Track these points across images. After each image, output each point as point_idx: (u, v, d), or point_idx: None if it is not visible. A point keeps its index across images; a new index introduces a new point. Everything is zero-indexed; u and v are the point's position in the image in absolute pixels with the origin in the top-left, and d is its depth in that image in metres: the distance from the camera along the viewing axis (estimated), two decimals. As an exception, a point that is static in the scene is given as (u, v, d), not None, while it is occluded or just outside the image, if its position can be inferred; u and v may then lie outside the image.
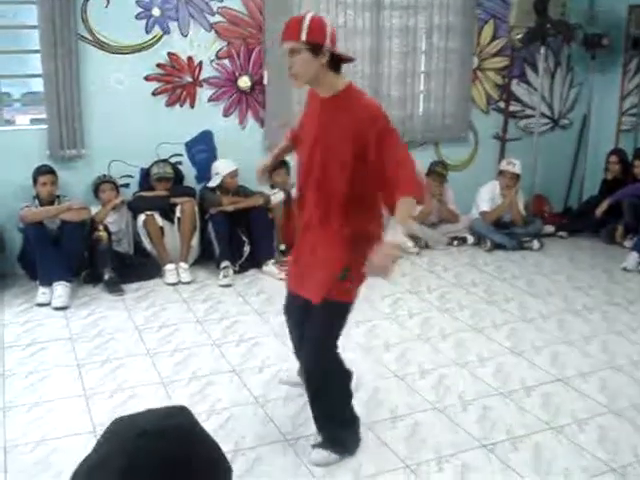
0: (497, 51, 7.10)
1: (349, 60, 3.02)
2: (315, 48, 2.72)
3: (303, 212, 3.07)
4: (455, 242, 6.57)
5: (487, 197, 6.59)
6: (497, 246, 6.43)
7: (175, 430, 1.00)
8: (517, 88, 7.28)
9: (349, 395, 3.16)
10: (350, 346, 4.23)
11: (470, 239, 6.59)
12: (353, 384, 3.20)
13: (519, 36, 6.78)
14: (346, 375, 3.13)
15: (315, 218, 2.99)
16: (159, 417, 1.03)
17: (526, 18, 6.65)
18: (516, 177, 6.55)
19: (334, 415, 3.13)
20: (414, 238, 6.36)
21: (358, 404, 3.47)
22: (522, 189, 6.76)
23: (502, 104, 7.26)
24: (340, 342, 4.16)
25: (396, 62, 6.60)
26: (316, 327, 3.01)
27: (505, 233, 6.51)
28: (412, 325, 4.63)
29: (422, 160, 6.71)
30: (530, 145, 7.06)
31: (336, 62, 2.83)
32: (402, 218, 2.70)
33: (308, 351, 3.07)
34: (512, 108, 7.29)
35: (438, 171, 6.62)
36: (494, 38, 7.05)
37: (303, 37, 2.70)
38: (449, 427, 3.37)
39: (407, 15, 6.56)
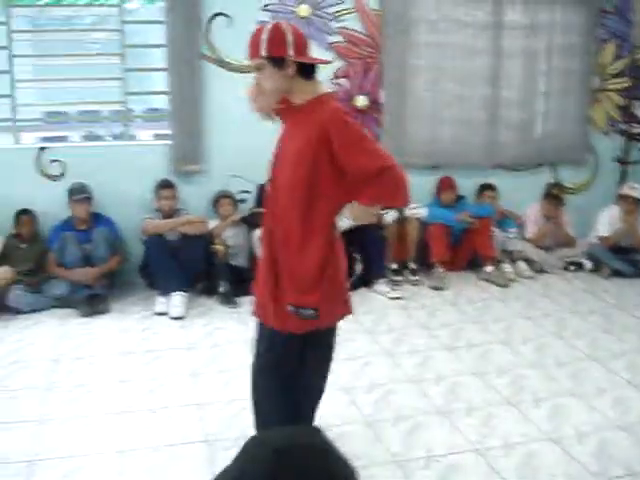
0: (619, 72, 6.89)
1: (323, 62, 2.78)
2: (277, 61, 2.57)
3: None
4: (571, 267, 6.38)
5: (606, 222, 6.38)
6: (616, 273, 6.21)
7: (310, 448, 1.02)
8: (640, 110, 7.04)
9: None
10: (461, 369, 4.19)
11: (587, 265, 6.38)
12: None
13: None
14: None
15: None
16: (294, 436, 1.05)
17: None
18: (638, 202, 6.32)
19: None
20: (529, 261, 6.24)
21: (471, 429, 3.44)
22: (644, 215, 6.52)
23: (624, 126, 7.03)
24: (449, 365, 4.16)
25: (515, 82, 6.52)
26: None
27: (625, 259, 6.28)
28: (526, 351, 4.53)
29: (538, 182, 6.64)
30: (654, 169, 6.82)
31: (308, 68, 2.64)
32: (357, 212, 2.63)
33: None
34: (635, 130, 7.04)
35: (555, 194, 6.48)
36: (616, 58, 6.84)
37: (263, 53, 2.55)
38: (563, 458, 3.27)
39: (527, 35, 6.47)
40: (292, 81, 2.61)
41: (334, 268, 2.72)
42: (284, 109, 2.74)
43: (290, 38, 2.56)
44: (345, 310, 2.89)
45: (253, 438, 1.08)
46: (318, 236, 2.64)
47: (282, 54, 2.55)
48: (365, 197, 2.60)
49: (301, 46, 2.60)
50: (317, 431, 1.09)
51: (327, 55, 6.01)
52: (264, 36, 2.55)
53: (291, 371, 2.86)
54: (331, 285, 2.71)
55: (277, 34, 2.56)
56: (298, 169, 2.60)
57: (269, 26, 2.58)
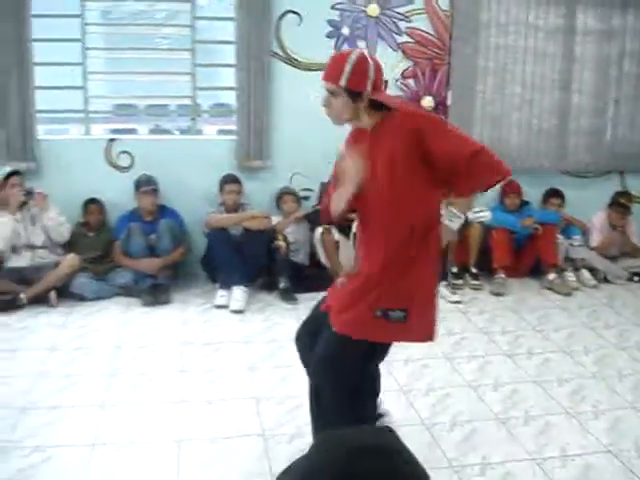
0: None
1: (393, 103, 2.70)
2: (354, 94, 2.58)
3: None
4: (636, 278, 6.24)
5: (673, 233, 6.24)
6: (682, 285, 6.07)
7: (385, 450, 1.02)
8: None
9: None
10: (520, 376, 4.14)
11: (652, 276, 6.25)
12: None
13: None
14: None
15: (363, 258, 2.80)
16: (369, 436, 1.05)
17: None
18: None
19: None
20: (592, 270, 6.13)
21: (527, 437, 3.41)
22: None
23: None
24: (508, 372, 4.11)
25: (586, 88, 6.41)
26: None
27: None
28: (587, 362, 4.45)
29: (605, 190, 6.52)
30: None
31: (378, 103, 2.63)
32: (461, 207, 2.68)
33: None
34: None
35: (622, 202, 6.35)
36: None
37: (342, 83, 2.56)
38: (622, 471, 3.20)
39: (599, 41, 6.35)
40: (361, 111, 2.64)
41: (427, 276, 2.71)
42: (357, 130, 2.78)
43: (372, 74, 2.58)
44: (431, 331, 2.81)
45: (326, 437, 1.09)
46: (414, 244, 2.65)
47: (361, 89, 2.58)
48: (466, 188, 2.65)
49: (379, 82, 2.62)
50: (390, 432, 1.09)
51: (395, 55, 6.01)
52: (348, 68, 2.56)
53: (359, 379, 2.85)
54: (423, 295, 2.71)
55: (361, 68, 2.57)
56: (392, 179, 2.60)
57: (354, 56, 2.58)
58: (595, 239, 6.34)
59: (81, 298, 5.28)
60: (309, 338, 2.98)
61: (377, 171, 2.63)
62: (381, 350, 2.83)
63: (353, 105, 2.60)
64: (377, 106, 2.64)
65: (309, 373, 3.00)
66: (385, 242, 2.67)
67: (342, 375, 2.78)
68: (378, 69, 2.62)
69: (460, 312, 5.28)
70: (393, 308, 2.64)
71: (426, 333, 2.79)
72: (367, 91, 2.58)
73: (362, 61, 2.58)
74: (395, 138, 2.55)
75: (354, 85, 2.57)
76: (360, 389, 2.86)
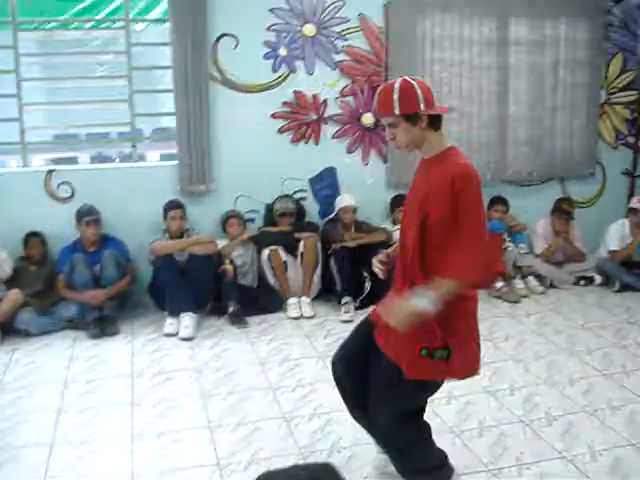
0: (625, 85, 6.89)
1: (447, 111, 2.87)
2: (411, 117, 2.67)
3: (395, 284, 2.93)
4: (582, 282, 6.35)
5: (616, 236, 6.35)
6: (626, 287, 6.17)
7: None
8: (648, 123, 7.02)
9: (431, 445, 3.01)
10: (474, 388, 4.16)
11: (598, 279, 6.35)
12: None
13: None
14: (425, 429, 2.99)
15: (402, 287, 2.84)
16: (307, 475, 1.03)
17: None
18: (647, 215, 6.29)
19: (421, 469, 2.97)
20: (539, 277, 6.21)
21: (482, 448, 3.42)
22: (654, 228, 6.48)
23: (632, 139, 7.01)
24: (461, 383, 4.13)
25: (522, 98, 6.52)
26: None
27: (635, 273, 6.24)
28: (538, 368, 4.50)
29: (547, 197, 6.62)
30: (663, 182, 6.79)
31: (435, 119, 2.73)
32: (438, 290, 2.59)
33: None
34: (643, 143, 7.03)
35: (564, 208, 6.45)
36: (622, 72, 6.85)
37: (397, 111, 2.65)
38: (577, 476, 3.23)
39: (533, 51, 6.47)
40: (423, 133, 2.70)
41: (464, 311, 2.82)
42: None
43: (420, 93, 2.66)
44: (475, 366, 2.94)
45: (267, 475, 1.06)
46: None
47: (415, 110, 2.65)
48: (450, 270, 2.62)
49: (430, 99, 2.69)
50: (330, 469, 1.07)
51: (333, 74, 6.05)
52: (396, 96, 2.65)
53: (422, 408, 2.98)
54: (464, 333, 2.81)
55: (409, 92, 2.66)
56: (419, 217, 2.66)
57: (397, 85, 2.67)
58: (539, 246, 6.43)
59: (26, 334, 5.15)
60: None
61: (413, 205, 2.72)
62: (433, 387, 2.91)
63: (414, 128, 2.68)
64: (436, 126, 2.72)
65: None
66: (420, 278, 2.71)
67: (409, 414, 2.87)
68: (424, 88, 2.70)
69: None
70: (437, 347, 2.71)
71: (470, 369, 2.91)
72: (421, 110, 2.65)
73: (407, 85, 2.67)
74: (441, 179, 2.61)
75: (407, 109, 2.65)
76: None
